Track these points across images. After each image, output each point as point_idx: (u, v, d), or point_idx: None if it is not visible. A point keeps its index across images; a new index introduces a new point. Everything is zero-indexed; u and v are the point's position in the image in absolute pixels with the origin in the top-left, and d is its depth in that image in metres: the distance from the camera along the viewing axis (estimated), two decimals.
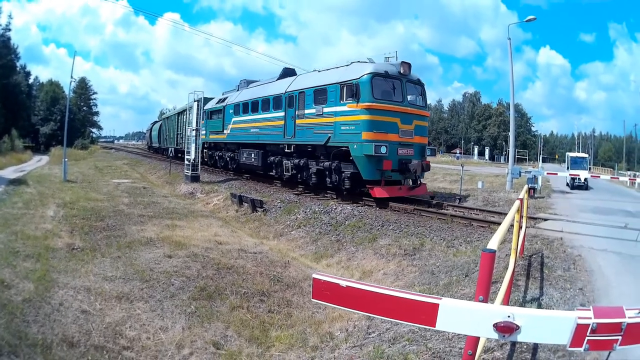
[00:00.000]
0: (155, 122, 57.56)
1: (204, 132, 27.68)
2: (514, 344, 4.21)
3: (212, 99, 29.62)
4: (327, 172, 16.66)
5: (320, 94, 16.77)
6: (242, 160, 23.17)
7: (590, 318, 1.76)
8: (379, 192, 14.85)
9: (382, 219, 13.17)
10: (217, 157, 28.10)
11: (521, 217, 6.40)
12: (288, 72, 21.70)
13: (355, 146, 15.01)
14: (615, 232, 10.29)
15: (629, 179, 29.45)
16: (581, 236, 9.73)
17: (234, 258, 9.22)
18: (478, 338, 2.56)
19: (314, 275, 2.05)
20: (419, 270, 9.19)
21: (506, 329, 1.79)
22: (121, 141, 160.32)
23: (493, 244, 2.66)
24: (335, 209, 14.81)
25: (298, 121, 17.84)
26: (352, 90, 15.12)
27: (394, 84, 15.47)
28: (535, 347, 4.25)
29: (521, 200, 5.54)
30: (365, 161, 14.83)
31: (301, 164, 17.83)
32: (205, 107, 27.74)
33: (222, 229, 12.55)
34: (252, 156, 21.73)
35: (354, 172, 15.48)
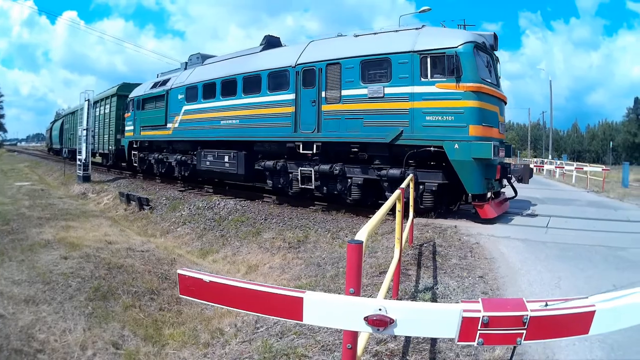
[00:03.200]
0: (55, 120, 54.37)
1: (131, 127, 20.24)
2: None
3: (137, 84, 22.25)
4: (386, 184, 11.63)
5: (374, 67, 11.57)
6: (204, 165, 16.41)
7: (480, 311, 1.68)
8: (489, 211, 10.52)
9: (265, 212, 13.38)
10: (153, 162, 20.39)
11: (409, 205, 6.84)
12: (273, 42, 15.71)
13: (456, 145, 10.35)
14: (522, 219, 10.49)
15: (535, 166, 30.02)
16: (479, 224, 9.85)
17: (123, 257, 9.36)
18: (356, 331, 2.40)
19: (179, 271, 2.01)
20: (305, 263, 9.36)
21: (379, 322, 1.71)
22: (23, 143, 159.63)
23: (362, 235, 2.52)
24: (219, 204, 14.80)
25: (326, 107, 12.34)
26: (444, 63, 10.43)
27: (488, 61, 11.19)
28: (433, 338, 3.96)
29: (402, 189, 5.28)
30: (473, 168, 10.31)
31: (335, 172, 12.37)
32: (132, 95, 20.80)
33: (111, 228, 12.64)
34: (225, 160, 15.28)
35: (443, 184, 10.87)
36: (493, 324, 1.71)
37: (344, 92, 12.00)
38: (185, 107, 17.23)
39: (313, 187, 12.84)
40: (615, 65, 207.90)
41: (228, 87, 15.16)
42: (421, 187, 11.04)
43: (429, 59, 10.69)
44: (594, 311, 1.77)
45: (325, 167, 12.50)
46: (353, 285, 2.36)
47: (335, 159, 12.52)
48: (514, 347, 1.88)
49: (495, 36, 11.32)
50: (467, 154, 10.25)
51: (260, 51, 15.13)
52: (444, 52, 10.49)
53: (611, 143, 76.67)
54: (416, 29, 11.42)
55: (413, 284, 5.81)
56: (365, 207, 12.32)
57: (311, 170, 12.78)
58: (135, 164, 22.25)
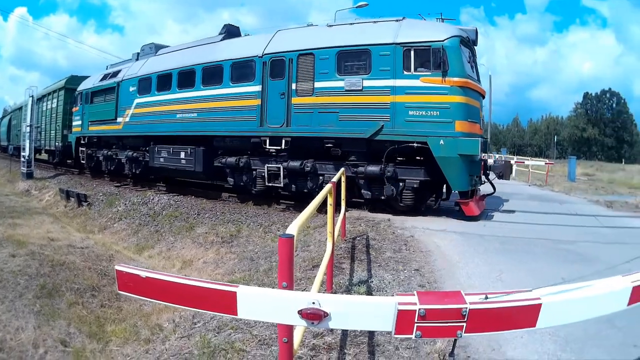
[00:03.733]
0: (2, 117, 46.69)
1: (79, 122, 16.96)
2: None
3: (86, 77, 18.49)
4: (362, 182, 9.60)
5: (352, 59, 9.57)
6: (157, 162, 13.43)
7: (416, 304, 1.51)
8: (474, 208, 8.98)
9: (198, 207, 12.07)
10: (102, 158, 16.73)
11: (341, 199, 6.22)
12: (233, 31, 13.08)
13: (441, 142, 8.64)
14: (458, 213, 9.13)
15: None
16: (413, 218, 8.77)
17: (65, 254, 8.52)
18: (291, 325, 2.05)
19: (117, 267, 1.76)
20: (238, 257, 8.63)
21: (313, 315, 1.52)
22: None
23: (292, 229, 2.22)
24: (153, 199, 13.35)
25: (297, 100, 10.14)
26: (430, 57, 8.73)
27: (470, 55, 9.55)
28: (371, 331, 3.52)
29: (334, 183, 4.60)
30: (458, 165, 8.67)
31: (306, 169, 10.12)
32: (81, 88, 17.25)
33: (53, 225, 11.59)
34: (182, 156, 12.45)
35: (424, 181, 9.10)
36: (431, 316, 1.51)
37: (318, 84, 9.83)
38: (137, 100, 14.15)
39: (281, 184, 10.54)
40: (564, 61, 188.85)
41: (185, 78, 12.44)
42: (401, 184, 9.18)
43: (412, 52, 8.92)
44: (540, 304, 1.57)
45: (295, 163, 10.21)
46: (286, 279, 2.00)
47: (306, 155, 10.33)
48: (455, 340, 1.69)
49: (476, 31, 9.71)
50: (453, 150, 8.61)
51: (221, 40, 12.54)
52: (430, 46, 8.78)
53: (555, 137, 72.89)
54: (396, 20, 9.54)
55: (347, 277, 5.15)
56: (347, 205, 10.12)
57: (279, 167, 10.46)
58: (83, 161, 18.49)
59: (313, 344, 3.59)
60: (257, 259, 7.47)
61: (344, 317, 1.57)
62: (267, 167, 10.63)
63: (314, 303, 1.53)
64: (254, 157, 11.15)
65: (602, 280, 1.91)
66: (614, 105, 74.75)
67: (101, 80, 16.58)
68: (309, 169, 10.04)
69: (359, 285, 4.76)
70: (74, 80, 20.11)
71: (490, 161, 10.82)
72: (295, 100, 10.12)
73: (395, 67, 8.97)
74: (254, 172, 11.08)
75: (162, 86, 13.13)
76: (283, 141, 10.33)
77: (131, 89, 14.33)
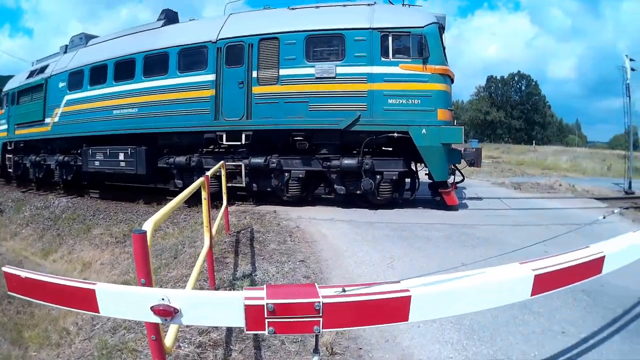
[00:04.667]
0: None
1: (4, 126, 12.28)
2: None
3: (10, 77, 13.29)
4: (334, 176, 7.03)
5: (323, 44, 7.08)
6: (92, 166, 9.32)
7: (263, 298, 1.12)
8: (455, 197, 7.10)
9: (94, 208, 9.92)
10: (29, 165, 11.51)
11: (223, 193, 5.35)
12: (172, 17, 9.46)
13: (423, 131, 6.52)
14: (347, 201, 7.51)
15: None
16: (300, 208, 7.08)
17: None
18: (155, 322, 1.50)
19: (4, 269, 1.40)
20: (131, 257, 6.62)
21: (164, 312, 1.16)
22: None
23: (147, 225, 1.68)
24: (53, 202, 10.84)
25: (259, 89, 7.30)
26: (410, 43, 6.66)
27: (443, 42, 7.47)
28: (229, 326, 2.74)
29: (207, 176, 3.54)
30: (441, 154, 6.65)
31: (271, 166, 7.22)
32: (6, 88, 12.46)
33: None
34: (121, 158, 8.66)
35: (402, 172, 6.91)
36: (281, 311, 1.13)
37: (283, 72, 7.12)
38: (67, 97, 9.92)
39: (243, 184, 7.48)
40: (466, 45, 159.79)
41: (123, 69, 8.79)
42: (378, 177, 6.88)
43: (390, 38, 6.77)
44: (410, 296, 1.17)
45: (259, 160, 7.30)
46: (143, 275, 1.55)
47: (269, 151, 7.46)
48: (316, 336, 1.26)
49: (445, 17, 7.56)
50: (436, 139, 6.59)
51: (162, 26, 9.05)
52: (409, 32, 6.71)
53: (455, 121, 63.13)
54: (368, 5, 7.21)
55: (231, 272, 3.98)
56: (305, 202, 7.39)
57: (240, 165, 7.36)
58: (10, 170, 13.05)
59: (199, 341, 2.72)
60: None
61: (194, 313, 1.19)
62: (225, 165, 7.43)
63: (163, 299, 1.16)
64: (207, 155, 7.97)
65: (498, 268, 1.42)
66: (523, 87, 60.12)
67: (27, 77, 11.85)
68: (274, 165, 7.17)
69: (243, 279, 3.77)
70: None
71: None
72: (256, 89, 7.27)
73: (372, 53, 6.71)
74: (206, 172, 7.73)
75: (95, 80, 9.23)
76: (243, 135, 7.39)
77: (61, 85, 10.01)
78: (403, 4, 7.58)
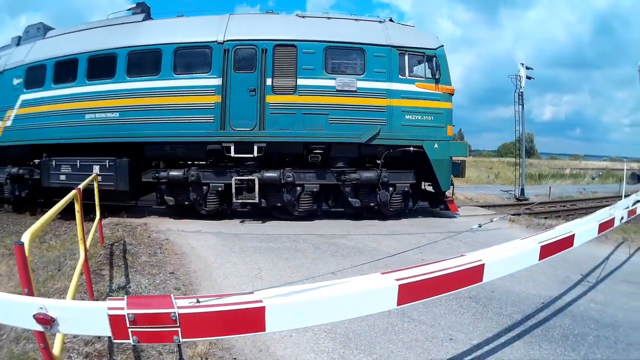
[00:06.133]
0: None
1: None
2: None
3: None
4: (348, 189, 5.42)
5: (342, 56, 5.39)
6: (56, 180, 5.80)
7: (124, 308, 0.92)
8: (455, 205, 6.10)
9: None
10: None
11: (96, 205, 4.06)
12: (147, 11, 6.38)
13: (435, 145, 5.36)
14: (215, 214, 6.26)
15: None
16: (171, 220, 5.73)
17: None
18: (42, 331, 1.15)
19: None
20: None
21: (45, 320, 0.94)
22: None
23: (25, 237, 1.35)
24: None
25: (274, 98, 5.24)
26: (424, 63, 5.46)
27: None
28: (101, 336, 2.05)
29: (79, 189, 2.75)
30: (448, 167, 5.59)
31: (286, 180, 5.24)
32: None
33: None
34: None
35: (412, 184, 5.65)
36: (141, 321, 0.92)
37: (302, 81, 5.26)
38: (24, 97, 6.20)
39: (256, 199, 5.31)
40: None
41: (100, 66, 5.72)
42: (391, 188, 5.46)
43: (407, 57, 5.43)
44: (264, 307, 0.97)
45: (273, 174, 5.29)
46: (25, 285, 1.27)
47: (278, 164, 5.47)
48: (179, 346, 1.06)
49: None
50: (446, 153, 5.51)
51: (143, 21, 6.15)
52: (424, 52, 5.46)
53: None
54: (380, 22, 5.73)
55: (108, 284, 3.13)
56: (314, 216, 5.63)
57: (253, 179, 5.21)
58: None
59: (86, 351, 2.14)
60: (37, 269, 4.09)
61: (70, 322, 0.95)
62: (235, 179, 5.27)
63: (41, 308, 0.94)
64: (206, 168, 5.55)
65: (361, 278, 1.16)
66: None
67: None
68: (290, 179, 5.26)
69: (118, 291, 2.88)
70: None
71: None
72: (271, 98, 5.23)
73: (391, 70, 5.27)
74: (203, 188, 5.48)
75: (62, 77, 5.90)
76: (255, 147, 5.24)
77: (15, 81, 6.24)
78: (390, 20, 6.18)
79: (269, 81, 5.24)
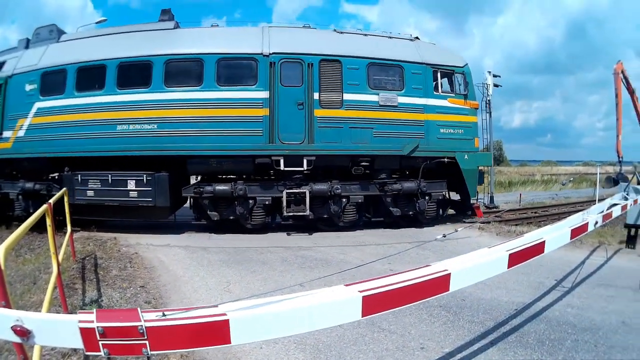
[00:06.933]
0: None
1: None
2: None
3: None
4: (389, 200, 5.82)
5: (382, 72, 5.73)
6: (82, 196, 5.33)
7: (93, 322, 0.92)
8: (481, 211, 6.75)
9: None
10: None
11: (67, 220, 4.20)
12: (172, 18, 6.01)
13: (466, 156, 5.98)
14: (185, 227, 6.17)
15: None
16: (139, 234, 5.58)
17: None
18: (20, 343, 1.19)
19: None
20: None
21: (21, 332, 0.94)
22: None
23: None
24: None
25: (322, 112, 5.44)
26: (454, 80, 6.01)
27: None
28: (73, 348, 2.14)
29: (50, 204, 2.99)
30: (475, 176, 6.22)
31: (335, 192, 5.50)
32: None
33: None
34: (131, 187, 5.25)
35: (441, 192, 6.23)
36: (110, 334, 0.93)
37: (348, 96, 5.52)
38: (39, 104, 5.57)
39: (307, 212, 5.49)
40: None
41: (134, 74, 5.41)
42: (427, 197, 5.93)
43: (439, 74, 5.93)
44: (228, 320, 0.97)
45: (322, 186, 5.54)
46: (3, 298, 1.31)
47: (325, 177, 5.69)
48: (149, 358, 1.13)
49: None
50: (474, 163, 6.14)
51: (174, 28, 5.87)
52: (453, 70, 6.01)
53: None
54: (411, 40, 6.16)
55: (80, 297, 3.21)
56: (355, 227, 5.98)
57: (305, 192, 5.38)
58: None
59: None
60: (14, 282, 4.03)
61: (44, 334, 0.95)
62: (287, 192, 5.38)
63: (17, 320, 0.94)
64: (252, 182, 5.58)
65: (323, 290, 1.16)
66: None
67: None
68: (338, 191, 5.52)
69: (91, 305, 3.03)
70: None
71: None
72: (319, 112, 5.41)
73: (426, 86, 5.74)
74: (250, 201, 5.50)
75: (87, 84, 5.46)
76: (305, 160, 5.40)
77: (28, 87, 5.60)
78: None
79: (316, 95, 5.40)
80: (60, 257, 3.09)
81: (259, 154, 5.37)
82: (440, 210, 6.48)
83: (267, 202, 5.49)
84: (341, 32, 5.93)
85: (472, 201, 6.38)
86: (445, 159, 5.87)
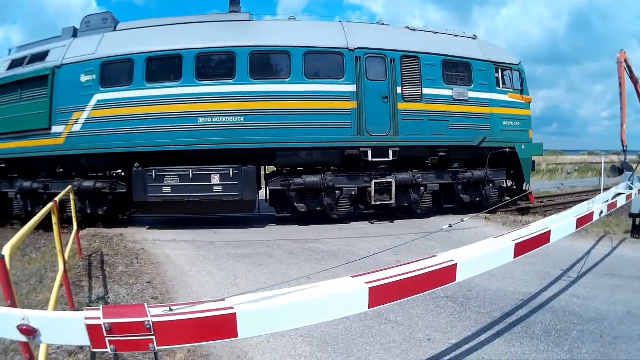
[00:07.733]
0: None
1: None
2: None
3: None
4: (460, 187, 6.18)
5: (453, 69, 6.11)
6: (155, 193, 4.88)
7: (100, 318, 0.97)
8: (533, 198, 7.41)
9: None
10: (15, 195, 4.89)
11: (73, 217, 4.22)
12: (240, 10, 5.89)
13: (523, 147, 6.56)
14: (191, 222, 5.95)
15: None
16: (145, 230, 5.67)
17: None
18: (26, 342, 1.32)
19: None
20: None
21: (28, 331, 0.96)
22: None
23: (5, 250, 1.51)
24: None
25: (404, 105, 5.65)
26: (512, 77, 6.57)
27: None
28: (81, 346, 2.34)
29: (55, 202, 3.05)
30: (531, 165, 6.82)
31: (416, 181, 5.70)
32: None
33: None
34: (215, 181, 4.92)
35: (502, 180, 6.75)
36: (117, 330, 0.92)
37: (426, 91, 5.80)
38: (99, 96, 5.01)
39: (393, 201, 5.59)
40: None
41: (216, 65, 5.14)
42: (490, 185, 6.38)
43: (500, 71, 6.45)
44: (235, 313, 0.95)
45: (406, 176, 5.70)
46: (8, 297, 1.27)
47: (406, 167, 5.86)
48: (155, 354, 1.06)
49: None
50: (529, 153, 6.69)
51: (250, 20, 5.70)
52: (511, 67, 6.57)
53: None
54: (472, 38, 6.65)
55: (87, 295, 3.30)
56: (432, 213, 6.22)
57: (391, 182, 5.49)
58: None
59: None
60: (20, 282, 4.01)
61: (51, 332, 0.95)
62: (375, 182, 5.45)
63: (24, 319, 0.93)
64: (339, 173, 5.57)
65: (329, 282, 1.17)
66: None
67: (9, 68, 5.42)
68: (420, 180, 5.72)
69: (98, 302, 3.05)
70: None
71: None
72: (402, 105, 5.60)
73: (490, 82, 6.22)
74: (336, 192, 5.50)
75: (159, 75, 5.08)
76: (390, 152, 5.52)
77: (84, 78, 5.04)
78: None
79: (399, 89, 5.59)
80: (66, 255, 3.00)
81: (349, 145, 5.39)
82: (501, 197, 6.92)
83: (353, 193, 5.51)
84: (414, 30, 6.23)
85: (524, 187, 6.99)
86: (507, 149, 6.37)
